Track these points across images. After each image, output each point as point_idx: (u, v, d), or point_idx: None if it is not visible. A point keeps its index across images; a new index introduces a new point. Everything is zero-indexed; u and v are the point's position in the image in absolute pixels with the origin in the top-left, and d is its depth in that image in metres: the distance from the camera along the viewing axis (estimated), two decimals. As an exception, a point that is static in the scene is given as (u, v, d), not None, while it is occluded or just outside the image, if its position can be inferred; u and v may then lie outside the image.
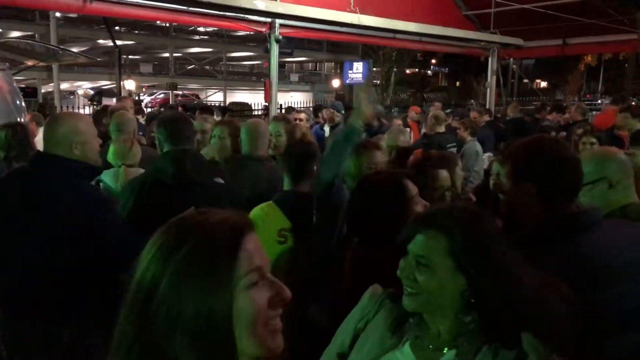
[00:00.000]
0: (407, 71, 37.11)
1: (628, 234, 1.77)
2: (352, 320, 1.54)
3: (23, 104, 6.44)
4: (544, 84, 48.18)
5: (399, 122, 7.14)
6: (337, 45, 34.44)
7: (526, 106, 18.41)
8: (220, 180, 2.97)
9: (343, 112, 8.36)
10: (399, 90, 33.19)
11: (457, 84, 47.07)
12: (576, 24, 9.30)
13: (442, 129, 6.40)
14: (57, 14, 23.17)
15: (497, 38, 10.39)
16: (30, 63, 9.38)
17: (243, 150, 3.41)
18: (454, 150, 5.92)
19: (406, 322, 1.42)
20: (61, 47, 11.29)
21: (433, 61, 47.23)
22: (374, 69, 31.06)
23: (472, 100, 26.93)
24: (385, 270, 1.49)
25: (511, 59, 17.71)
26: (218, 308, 0.88)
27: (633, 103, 12.63)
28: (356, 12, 7.91)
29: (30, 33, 24.40)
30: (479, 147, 6.21)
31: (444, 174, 2.73)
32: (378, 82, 30.72)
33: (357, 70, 24.88)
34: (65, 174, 2.40)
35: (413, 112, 8.28)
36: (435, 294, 1.33)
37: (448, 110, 12.05)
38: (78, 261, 2.31)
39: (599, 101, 24.82)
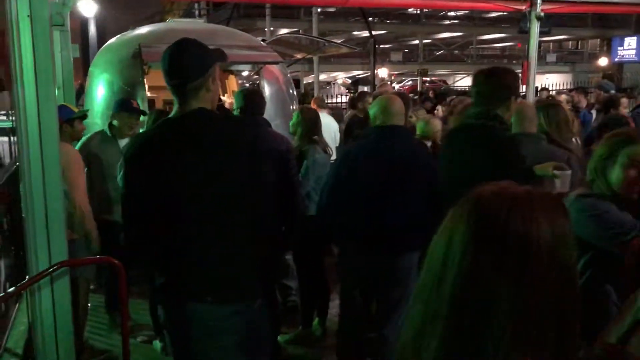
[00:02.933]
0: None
1: None
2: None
3: (295, 92, 7.18)
4: None
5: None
6: (605, 19, 30.73)
7: None
8: None
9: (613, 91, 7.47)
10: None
11: None
12: None
13: None
14: (319, 9, 25.16)
15: None
16: (299, 56, 10.34)
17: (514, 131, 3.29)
18: None
19: None
20: (324, 38, 12.23)
21: None
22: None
23: None
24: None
25: None
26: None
27: None
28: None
29: (295, 29, 26.99)
30: None
31: None
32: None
33: (629, 47, 21.97)
34: (403, 137, 3.23)
35: None
36: None
37: None
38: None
39: None
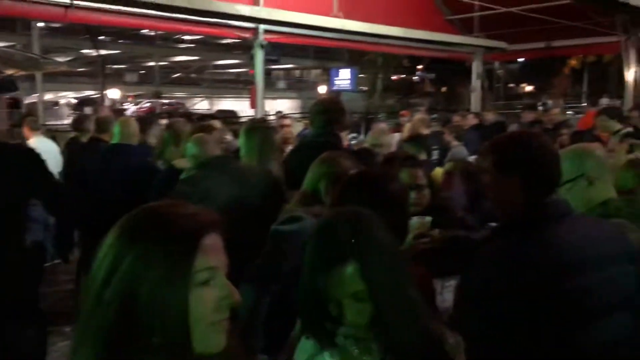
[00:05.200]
0: (394, 77, 37.21)
1: (597, 228, 1.80)
2: None
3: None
4: (529, 88, 48.51)
5: (382, 125, 7.17)
6: (324, 52, 34.48)
7: (512, 110, 18.52)
8: None
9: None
10: (386, 97, 33.31)
11: (443, 89, 47.28)
12: (560, 26, 9.32)
13: (423, 133, 6.43)
14: (40, 24, 22.96)
15: (480, 42, 10.41)
16: (9, 72, 9.26)
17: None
18: (437, 153, 5.96)
19: None
20: (41, 55, 11.17)
21: (419, 67, 47.42)
22: (361, 75, 31.03)
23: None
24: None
25: (496, 63, 17.85)
26: (173, 298, 0.90)
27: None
28: (340, 17, 7.88)
29: (12, 43, 24.18)
30: (465, 151, 6.20)
31: (417, 172, 2.70)
32: (365, 88, 30.78)
33: (344, 77, 24.94)
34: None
35: (404, 117, 8.38)
36: None
37: (434, 116, 12.18)
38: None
39: (584, 104, 24.97)
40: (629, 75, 9.97)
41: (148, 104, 33.12)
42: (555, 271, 1.58)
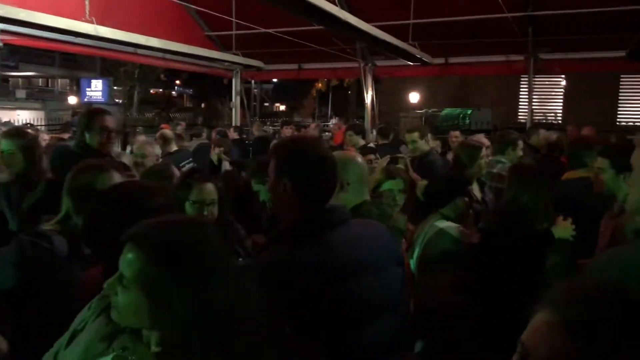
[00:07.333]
0: (152, 91, 36.14)
1: (370, 232, 1.86)
2: (76, 321, 1.43)
3: None
4: (282, 107, 51.71)
5: (143, 137, 6.95)
6: (73, 60, 31.79)
7: (268, 126, 19.54)
8: None
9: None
10: (144, 110, 32.17)
11: (203, 105, 47.60)
12: (310, 50, 10.09)
13: (173, 148, 6.34)
14: None
15: (238, 59, 10.68)
16: None
17: None
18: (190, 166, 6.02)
19: (120, 333, 1.31)
20: None
21: (177, 82, 47.02)
22: (115, 87, 29.46)
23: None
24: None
25: (253, 82, 18.61)
26: None
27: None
28: (92, 23, 7.33)
29: None
30: (228, 165, 6.31)
31: (209, 187, 2.57)
32: (120, 100, 29.27)
33: (96, 88, 23.41)
34: None
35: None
36: (134, 315, 1.23)
37: (192, 132, 12.26)
38: None
39: (330, 123, 27.46)
40: (367, 98, 11.24)
41: None
42: (333, 275, 1.61)
